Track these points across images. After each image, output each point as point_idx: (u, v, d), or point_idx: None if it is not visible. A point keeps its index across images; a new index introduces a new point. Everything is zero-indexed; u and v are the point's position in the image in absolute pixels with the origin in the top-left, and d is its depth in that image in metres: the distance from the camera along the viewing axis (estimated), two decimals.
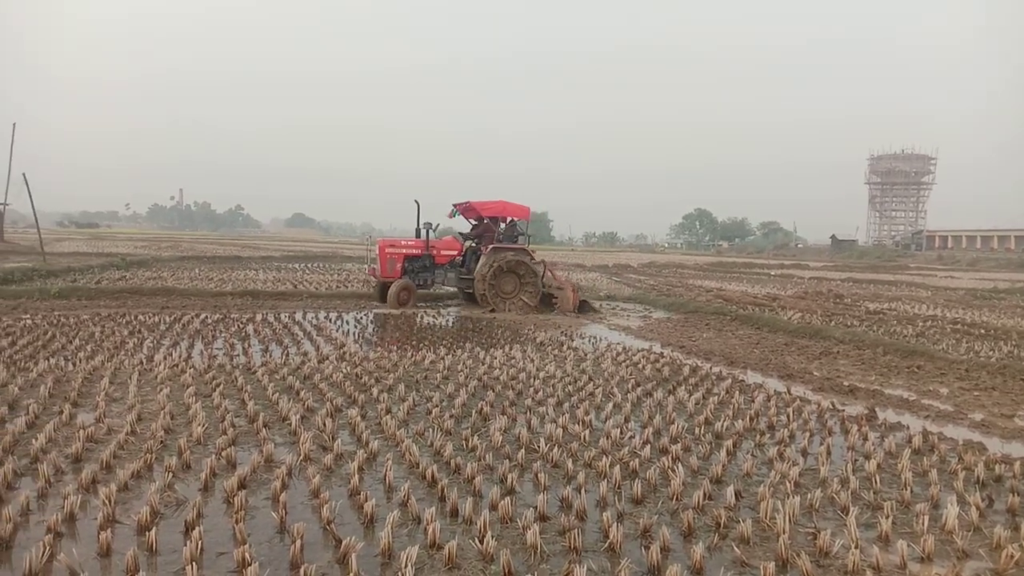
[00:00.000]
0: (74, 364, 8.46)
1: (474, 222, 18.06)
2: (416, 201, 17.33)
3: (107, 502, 4.26)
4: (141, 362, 8.74)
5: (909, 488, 5.10)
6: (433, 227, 17.20)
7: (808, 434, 6.48)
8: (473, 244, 17.58)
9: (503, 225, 17.38)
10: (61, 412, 6.27)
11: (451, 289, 18.32)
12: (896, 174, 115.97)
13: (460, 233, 18.46)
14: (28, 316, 12.52)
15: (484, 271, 16.18)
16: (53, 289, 16.07)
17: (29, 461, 5.11)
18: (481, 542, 3.95)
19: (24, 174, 26.74)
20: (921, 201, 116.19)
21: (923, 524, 4.39)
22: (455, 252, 17.52)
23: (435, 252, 17.19)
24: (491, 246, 16.59)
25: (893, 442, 6.26)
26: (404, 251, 16.92)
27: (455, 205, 17.74)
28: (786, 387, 8.59)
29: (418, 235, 17.41)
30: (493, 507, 4.50)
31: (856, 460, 5.79)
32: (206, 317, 13.16)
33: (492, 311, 15.98)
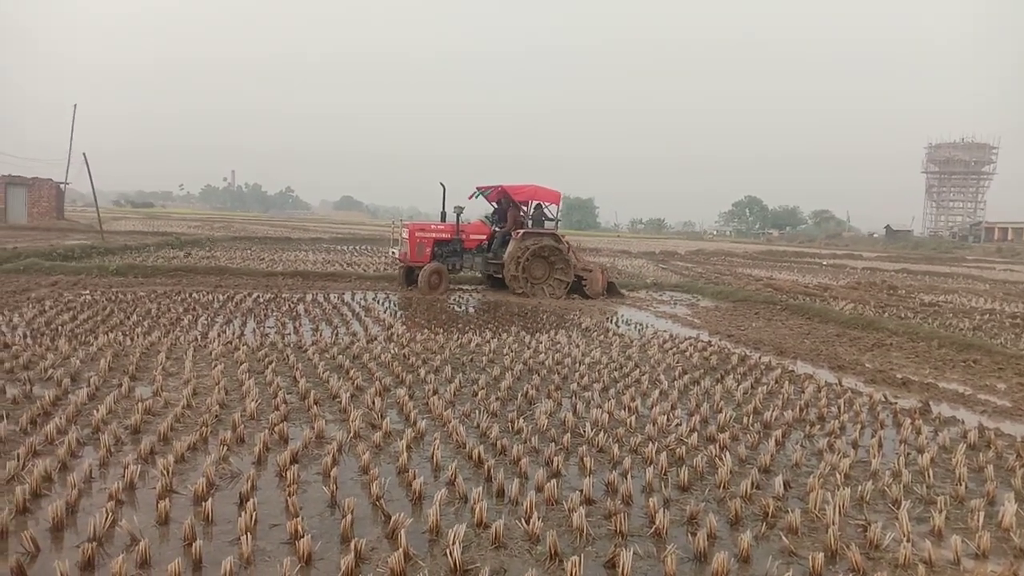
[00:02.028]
0: (132, 339, 8.72)
1: (495, 205, 17.72)
2: (442, 184, 16.92)
3: (165, 472, 4.41)
4: (196, 338, 8.97)
5: (963, 484, 5.00)
6: (461, 210, 16.80)
7: (859, 426, 6.38)
8: (498, 228, 17.20)
9: (524, 209, 16.98)
10: (120, 385, 6.48)
11: (476, 273, 17.94)
12: (955, 163, 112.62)
13: (486, 216, 18.17)
14: (88, 292, 12.92)
15: (515, 257, 15.87)
16: (111, 266, 16.54)
17: (91, 431, 5.29)
18: (527, 523, 3.99)
19: (84, 154, 27.56)
20: (980, 191, 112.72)
21: (978, 520, 4.29)
22: (484, 236, 17.10)
23: (464, 236, 16.76)
24: (521, 231, 16.29)
25: (947, 437, 6.13)
26: (434, 235, 16.44)
27: (479, 188, 17.40)
28: (837, 378, 8.46)
29: (443, 219, 17.01)
30: (539, 489, 4.53)
31: (908, 454, 5.68)
32: (258, 296, 13.42)
33: (522, 295, 15.79)
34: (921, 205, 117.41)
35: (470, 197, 17.43)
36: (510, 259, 15.99)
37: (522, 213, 16.99)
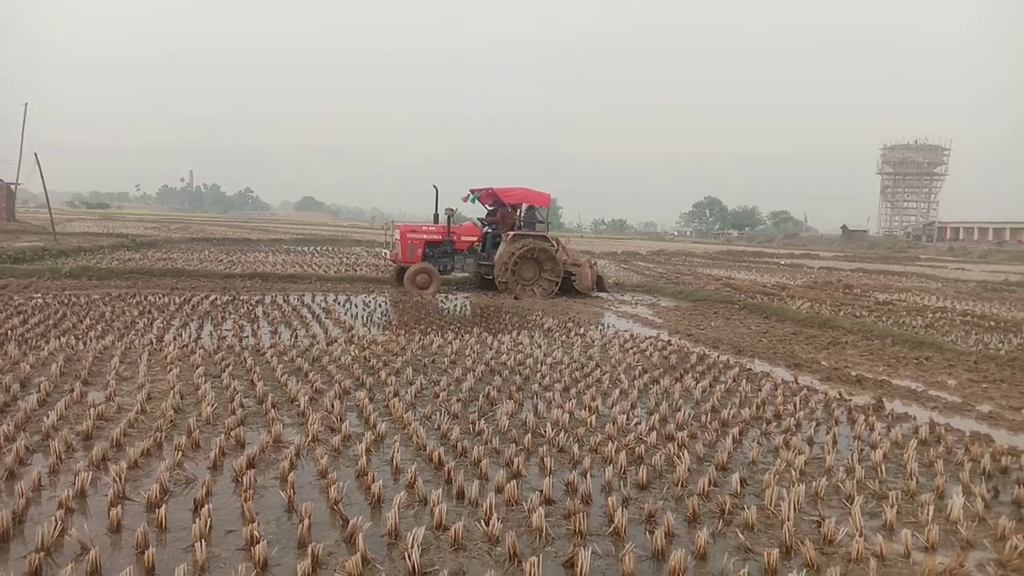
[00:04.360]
0: (85, 343, 8.53)
1: (490, 207, 18.06)
2: (435, 187, 17.31)
3: (117, 479, 4.31)
4: (151, 342, 8.80)
5: (915, 478, 5.11)
6: (453, 212, 17.18)
7: (814, 423, 6.49)
8: (490, 230, 17.61)
9: (518, 211, 17.37)
10: (72, 390, 6.33)
11: (465, 274, 18.26)
12: (908, 164, 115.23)
13: (478, 219, 18.48)
14: (39, 295, 12.61)
15: (506, 258, 16.25)
16: (64, 269, 16.17)
17: (40, 438, 5.16)
18: (487, 524, 3.99)
19: (36, 154, 26.95)
20: (933, 192, 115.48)
21: (928, 514, 4.40)
22: (475, 238, 17.53)
23: (456, 238, 17.16)
24: (512, 233, 16.66)
25: (899, 432, 6.25)
26: (425, 236, 16.88)
27: (472, 190, 17.74)
28: (793, 376, 8.59)
29: (436, 220, 17.42)
30: (499, 490, 4.54)
31: (862, 450, 5.79)
32: (216, 298, 13.23)
33: (515, 297, 16.04)
34: (876, 205, 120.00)
35: (464, 199, 17.76)
36: (500, 260, 16.34)
37: (518, 214, 17.30)
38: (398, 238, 16.85)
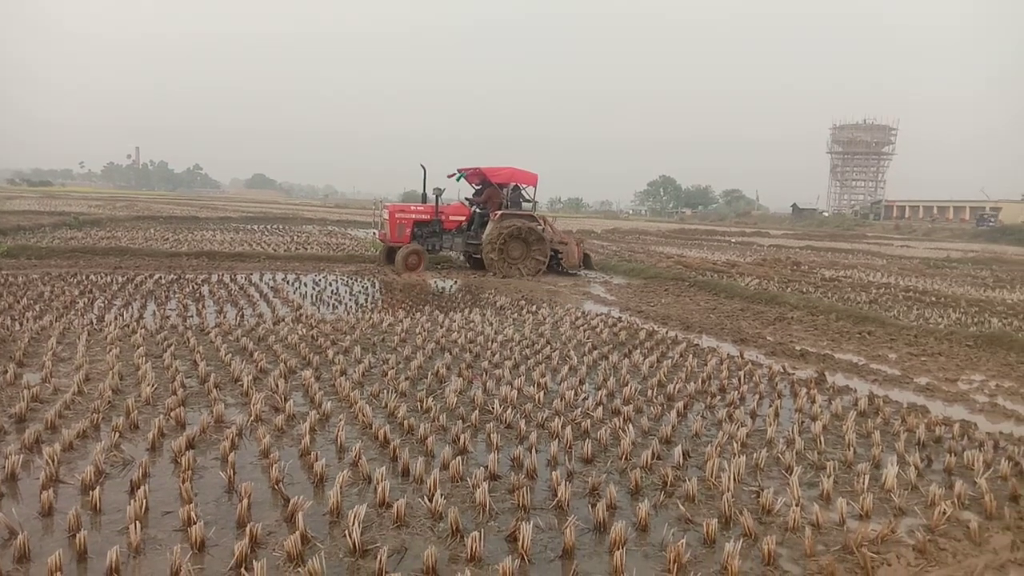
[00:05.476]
0: (21, 324, 8.27)
1: (477, 187, 18.09)
2: (423, 166, 17.37)
3: (50, 461, 4.20)
4: (91, 322, 8.58)
5: (852, 449, 5.24)
6: (441, 192, 17.16)
7: (758, 397, 6.60)
8: (479, 209, 17.63)
9: (505, 191, 17.44)
10: (5, 371, 6.14)
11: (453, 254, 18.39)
12: (857, 144, 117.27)
13: (467, 198, 18.49)
14: None
15: (493, 238, 16.32)
16: (1, 248, 15.64)
17: None
18: (430, 500, 3.97)
19: None
20: (881, 171, 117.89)
21: (863, 483, 4.52)
22: (463, 218, 17.57)
23: (444, 218, 17.22)
24: (499, 212, 16.72)
25: (840, 405, 6.40)
26: (414, 216, 16.95)
27: (460, 169, 17.78)
28: (739, 351, 8.72)
29: (424, 200, 17.46)
30: (444, 466, 4.52)
31: (803, 422, 5.91)
32: (160, 278, 12.93)
33: (503, 276, 16.12)
34: (826, 184, 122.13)
35: (450, 176, 17.86)
36: (488, 240, 16.41)
37: (504, 194, 17.36)
38: (387, 218, 16.87)
